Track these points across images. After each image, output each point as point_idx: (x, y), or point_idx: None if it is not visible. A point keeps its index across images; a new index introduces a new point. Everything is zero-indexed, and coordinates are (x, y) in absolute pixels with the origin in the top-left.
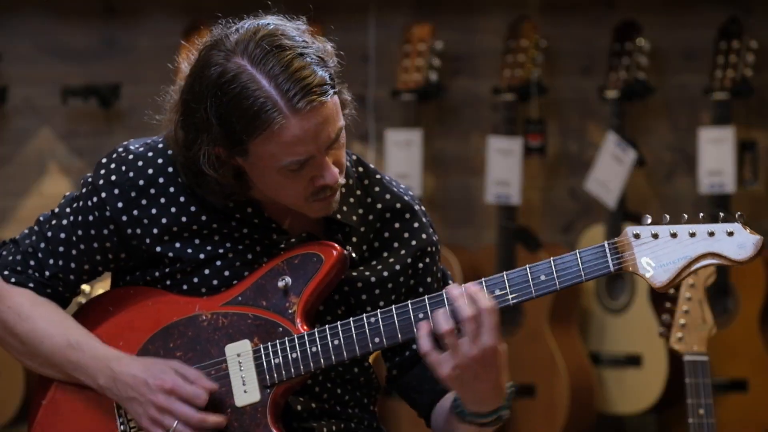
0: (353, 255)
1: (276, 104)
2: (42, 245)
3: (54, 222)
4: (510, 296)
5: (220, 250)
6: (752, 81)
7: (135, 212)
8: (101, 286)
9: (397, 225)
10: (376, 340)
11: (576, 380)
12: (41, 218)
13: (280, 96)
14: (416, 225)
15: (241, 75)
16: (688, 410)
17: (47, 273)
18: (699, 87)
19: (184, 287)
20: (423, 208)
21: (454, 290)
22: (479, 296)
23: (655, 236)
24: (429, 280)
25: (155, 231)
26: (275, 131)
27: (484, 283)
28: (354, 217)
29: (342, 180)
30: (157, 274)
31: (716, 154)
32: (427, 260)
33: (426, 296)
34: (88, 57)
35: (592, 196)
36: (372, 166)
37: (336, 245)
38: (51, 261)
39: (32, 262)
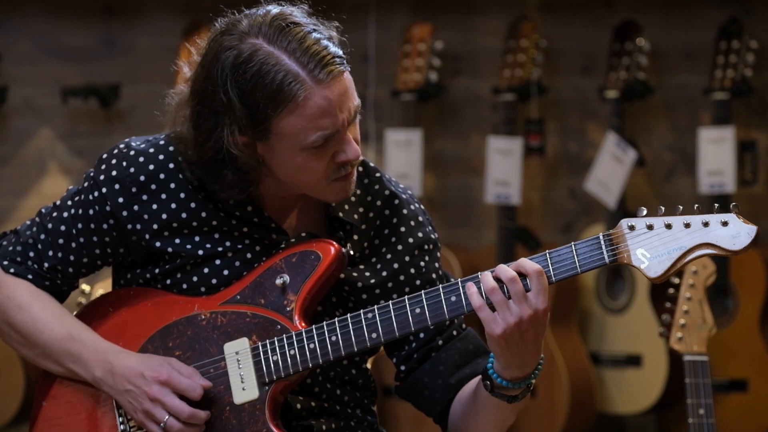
0: (352, 252)
1: (298, 76)
2: (42, 237)
3: (55, 215)
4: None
5: (220, 248)
6: (752, 81)
7: (135, 208)
8: (101, 287)
9: (395, 220)
10: (373, 335)
11: (576, 380)
12: (43, 210)
13: (301, 68)
14: (413, 223)
15: (257, 53)
16: (688, 410)
17: (46, 264)
18: (699, 87)
19: (184, 286)
20: (422, 206)
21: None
22: (524, 261)
23: (650, 227)
24: (434, 276)
25: (155, 226)
26: (300, 103)
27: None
28: (355, 215)
29: (361, 156)
30: (156, 271)
31: (716, 154)
32: (427, 258)
33: (428, 289)
34: (88, 57)
35: (592, 196)
36: (372, 164)
37: (334, 243)
38: (50, 253)
39: (32, 254)
